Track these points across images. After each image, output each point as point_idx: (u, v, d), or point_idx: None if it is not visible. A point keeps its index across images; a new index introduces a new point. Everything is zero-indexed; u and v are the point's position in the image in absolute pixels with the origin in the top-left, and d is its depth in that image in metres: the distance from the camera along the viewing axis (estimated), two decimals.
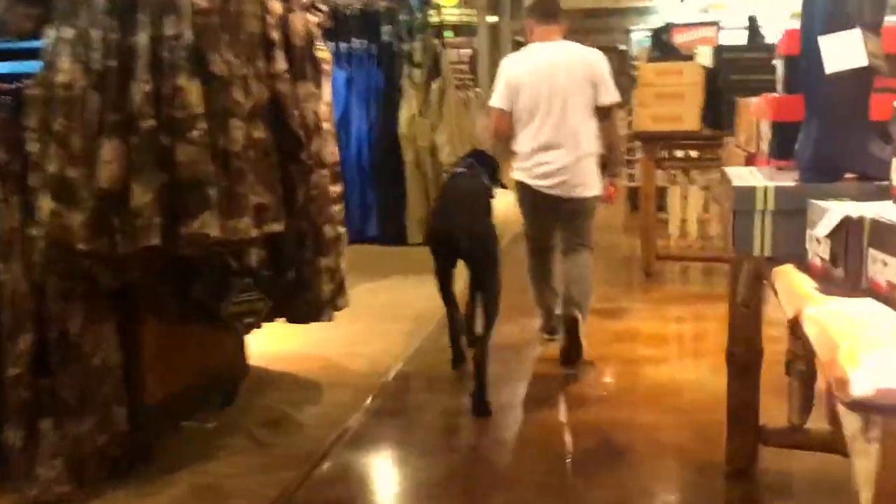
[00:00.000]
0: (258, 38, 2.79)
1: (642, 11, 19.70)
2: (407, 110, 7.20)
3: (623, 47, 18.32)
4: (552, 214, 4.23)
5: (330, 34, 7.56)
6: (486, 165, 4.22)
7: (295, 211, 2.98)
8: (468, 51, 16.91)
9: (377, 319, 5.01)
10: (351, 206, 7.40)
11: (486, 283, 3.70)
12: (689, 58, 6.39)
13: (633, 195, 9.14)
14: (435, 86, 7.19)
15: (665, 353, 4.29)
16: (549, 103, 4.05)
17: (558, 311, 4.30)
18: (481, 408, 3.61)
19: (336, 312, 3.49)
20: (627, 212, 9.24)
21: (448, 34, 20.46)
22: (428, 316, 5.13)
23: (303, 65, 2.99)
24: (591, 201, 4.22)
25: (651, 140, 5.84)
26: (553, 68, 4.10)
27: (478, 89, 9.16)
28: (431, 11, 7.96)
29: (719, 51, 5.77)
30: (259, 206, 2.74)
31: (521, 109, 4.12)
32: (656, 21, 20.12)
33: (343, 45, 7.31)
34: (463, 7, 20.46)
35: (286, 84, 2.85)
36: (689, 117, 5.69)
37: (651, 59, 6.04)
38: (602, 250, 6.85)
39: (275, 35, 2.84)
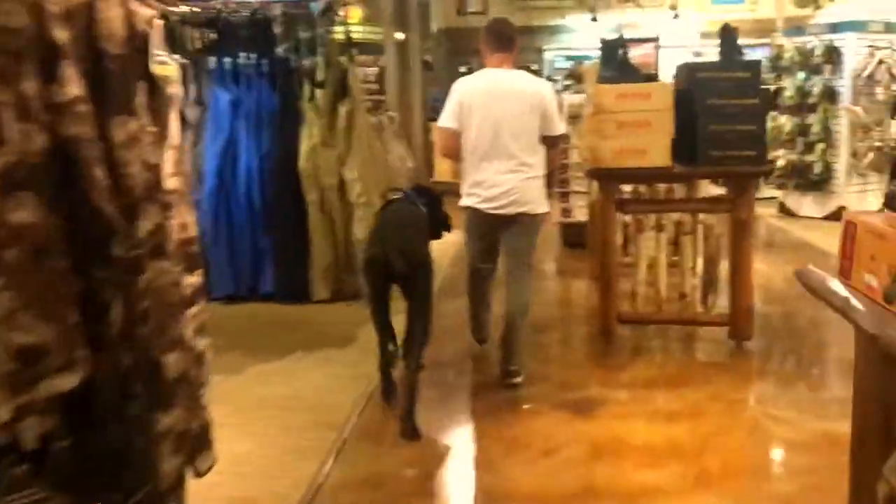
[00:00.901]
0: (25, 38, 1.51)
1: (554, 30, 18.94)
2: (308, 139, 5.91)
3: (536, 67, 17.50)
4: (497, 237, 4.27)
5: (212, 47, 6.44)
6: (426, 197, 4.19)
7: (109, 343, 1.69)
8: (374, 69, 15.75)
9: (271, 431, 3.68)
10: (240, 256, 6.08)
11: (418, 307, 3.70)
12: (652, 78, 5.34)
13: (569, 233, 8.07)
14: (342, 109, 5.92)
15: (666, 479, 3.10)
16: (498, 128, 4.06)
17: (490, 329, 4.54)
18: (409, 431, 3.58)
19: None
20: (562, 249, 8.17)
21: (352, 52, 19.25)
22: (342, 411, 3.86)
23: (124, 88, 1.72)
24: (538, 219, 4.24)
25: (610, 179, 4.77)
26: (505, 95, 4.11)
27: (391, 113, 7.92)
28: (337, 28, 6.67)
29: (691, 70, 4.73)
30: (25, 352, 1.47)
31: (471, 132, 4.12)
32: (569, 40, 19.49)
33: (227, 61, 5.97)
34: (368, 25, 19.39)
35: (84, 123, 1.57)
36: (656, 151, 4.61)
37: (604, 80, 4.94)
38: (541, 303, 5.76)
39: (60, 35, 1.57)
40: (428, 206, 4.11)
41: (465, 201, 4.24)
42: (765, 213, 9.31)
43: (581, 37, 18.70)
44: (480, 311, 4.61)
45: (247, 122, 5.97)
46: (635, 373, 4.38)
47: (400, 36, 15.52)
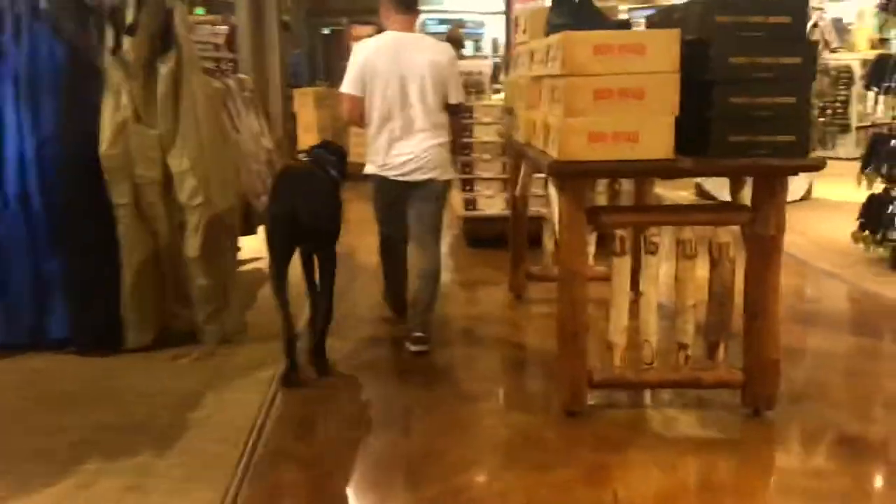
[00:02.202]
0: None
1: None
2: (114, 113, 3.91)
3: None
4: (405, 204, 4.08)
5: None
6: (333, 155, 3.97)
7: None
8: (224, 28, 13.40)
9: None
10: (13, 287, 4.03)
11: (326, 265, 3.70)
12: (624, 26, 3.66)
13: (473, 228, 6.37)
14: (164, 67, 3.94)
15: None
16: (404, 93, 3.92)
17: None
18: (321, 365, 3.75)
19: None
20: (465, 249, 6.47)
21: (199, 11, 16.69)
22: None
23: None
24: (446, 185, 4.18)
25: (580, 177, 3.10)
26: (409, 60, 3.92)
27: (242, 75, 5.91)
28: None
29: (704, 11, 3.09)
30: None
31: (375, 98, 3.95)
32: (442, 2, 17.72)
33: None
34: None
35: None
36: (652, 135, 2.97)
37: (554, 30, 3.25)
38: (450, 335, 4.37)
39: None
40: (337, 163, 3.94)
41: (370, 169, 4.11)
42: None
43: None
44: (395, 281, 4.41)
45: (14, 89, 3.89)
46: (633, 484, 2.74)
47: None
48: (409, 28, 4.04)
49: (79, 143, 3.90)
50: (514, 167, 4.87)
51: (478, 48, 16.17)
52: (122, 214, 3.95)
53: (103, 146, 3.88)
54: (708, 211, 3.43)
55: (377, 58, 3.93)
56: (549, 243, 4.92)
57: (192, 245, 4.04)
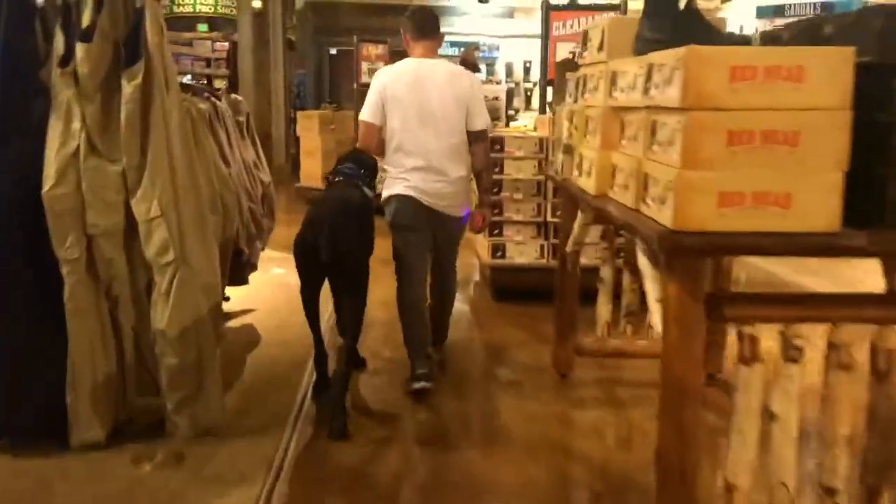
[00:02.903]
0: None
1: (438, 11, 16.25)
2: (61, 141, 2.98)
3: None
4: (429, 234, 3.86)
5: None
6: (362, 168, 3.90)
7: None
8: (224, 44, 12.53)
9: None
10: None
11: (349, 302, 3.51)
12: (747, 42, 2.73)
13: (502, 279, 5.44)
14: (129, 85, 3.01)
15: None
16: (424, 122, 3.75)
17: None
18: (338, 430, 3.30)
19: None
20: (491, 304, 5.52)
21: (202, 27, 15.82)
22: None
23: None
24: (461, 222, 3.97)
25: (705, 254, 2.16)
26: (430, 86, 3.77)
27: (236, 96, 4.99)
28: None
29: (889, 22, 2.18)
30: None
31: (395, 125, 3.78)
32: (453, 22, 16.93)
33: None
34: None
35: None
36: (809, 198, 2.05)
37: (648, 46, 2.34)
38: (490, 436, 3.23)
39: None
40: (368, 177, 3.89)
41: (388, 192, 3.87)
42: None
43: (468, 21, 16.22)
44: (419, 327, 3.92)
45: None
46: None
47: (257, 4, 12.42)
48: (431, 53, 3.90)
49: (14, 180, 2.97)
50: (568, 216, 3.93)
51: (490, 72, 15.33)
52: (71, 272, 3.02)
53: (47, 185, 2.95)
54: (886, 304, 2.47)
55: (397, 84, 3.78)
56: (603, 310, 3.98)
57: (162, 314, 3.10)
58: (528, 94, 16.36)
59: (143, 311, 3.17)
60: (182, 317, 3.13)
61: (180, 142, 3.18)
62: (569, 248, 3.88)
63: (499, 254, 5.39)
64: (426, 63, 3.83)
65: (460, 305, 5.43)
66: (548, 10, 5.52)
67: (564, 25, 5.64)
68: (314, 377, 3.79)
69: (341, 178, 3.82)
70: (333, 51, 17.03)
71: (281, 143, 12.68)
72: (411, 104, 3.73)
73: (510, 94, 16.06)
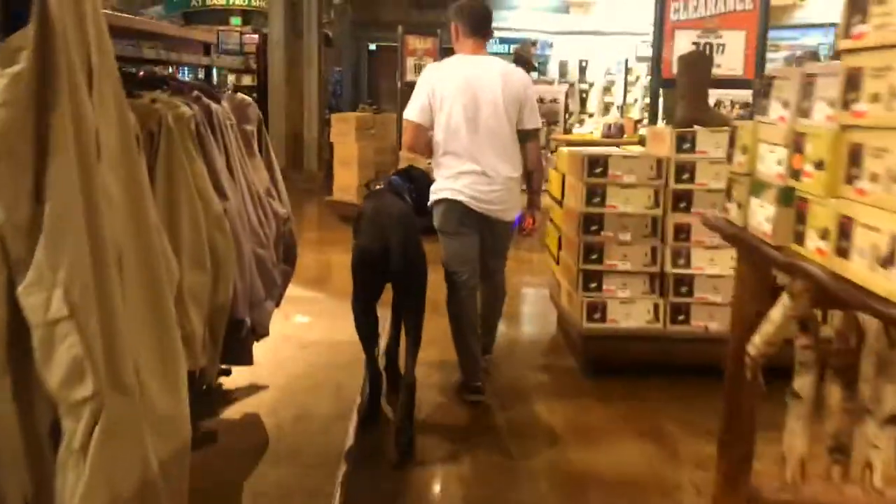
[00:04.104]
0: None
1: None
2: None
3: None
4: (478, 238, 3.70)
5: None
6: (414, 182, 3.70)
7: None
8: (254, 37, 11.26)
9: None
10: None
11: (415, 309, 3.30)
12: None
13: (599, 348, 4.00)
14: (3, 74, 1.57)
15: None
16: (474, 123, 3.57)
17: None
18: (403, 447, 3.15)
19: None
20: (582, 384, 4.09)
21: (236, 20, 14.53)
22: None
23: None
24: (510, 225, 3.79)
25: None
26: (482, 86, 3.58)
27: (242, 96, 3.51)
28: None
29: None
30: None
31: (443, 124, 3.60)
32: (505, 17, 15.44)
33: None
34: None
35: None
36: None
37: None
38: None
39: None
40: (417, 193, 3.66)
41: (435, 196, 3.66)
42: None
43: (519, 15, 14.73)
44: (471, 338, 3.70)
45: None
46: None
47: None
48: (480, 50, 3.73)
49: None
50: (751, 294, 2.43)
51: (543, 72, 13.82)
52: None
53: None
54: None
55: (446, 82, 3.62)
56: (797, 442, 2.48)
57: (75, 486, 1.69)
58: (584, 96, 14.82)
59: (43, 476, 1.76)
60: (111, 489, 1.72)
61: (121, 178, 1.78)
62: (754, 349, 2.38)
63: (596, 315, 3.92)
64: (478, 60, 3.65)
65: (535, 379, 4.00)
66: None
67: (686, 8, 4.15)
68: (364, 405, 3.41)
69: (383, 187, 3.62)
70: (373, 47, 15.63)
71: (314, 147, 11.30)
72: (462, 104, 3.54)
73: (567, 97, 14.56)
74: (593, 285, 3.94)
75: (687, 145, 3.86)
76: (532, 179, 3.81)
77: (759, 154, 2.19)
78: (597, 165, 3.88)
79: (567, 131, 10.84)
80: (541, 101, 11.63)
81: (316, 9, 11.16)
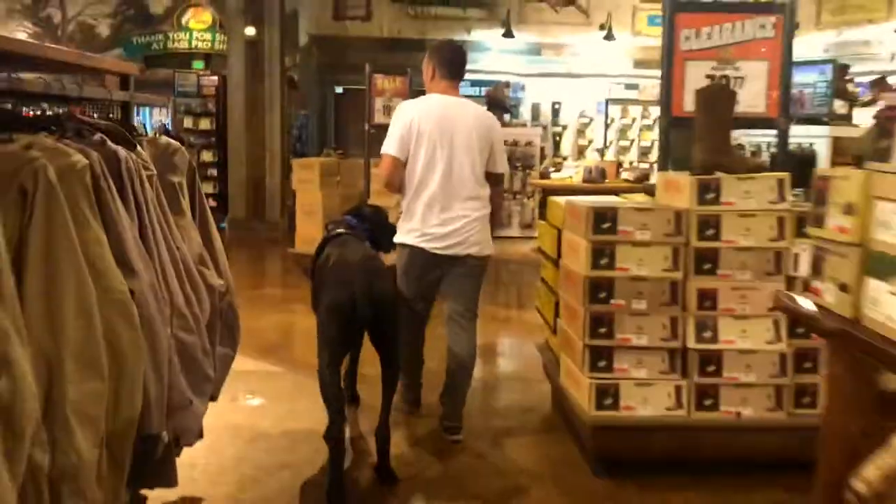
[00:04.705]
0: None
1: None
2: None
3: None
4: (439, 281, 3.69)
5: None
6: (368, 221, 3.75)
7: None
8: (213, 79, 10.60)
9: None
10: None
11: (391, 357, 3.27)
12: None
13: (615, 440, 3.28)
14: None
15: None
16: (451, 161, 3.57)
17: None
18: (386, 473, 3.21)
19: None
20: (590, 485, 3.36)
21: (198, 64, 13.90)
22: None
23: None
24: (485, 261, 3.75)
25: None
26: (455, 125, 3.60)
27: (168, 140, 2.79)
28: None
29: None
30: None
31: (418, 161, 3.59)
32: (476, 59, 14.93)
33: None
34: (219, 31, 14.08)
35: None
36: None
37: None
38: None
39: None
40: (375, 231, 3.72)
41: (403, 238, 3.69)
42: None
43: (491, 57, 14.21)
44: (415, 364, 3.91)
45: None
46: None
47: (251, 32, 10.41)
48: (454, 92, 3.72)
49: None
50: (856, 412, 1.74)
51: (515, 114, 13.27)
52: None
53: None
54: None
55: (423, 120, 3.58)
56: None
57: None
58: (557, 138, 14.31)
59: None
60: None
61: None
62: (864, 485, 1.69)
63: (607, 401, 3.21)
64: (453, 101, 3.68)
65: (528, 474, 3.29)
66: (673, 11, 3.41)
67: (698, 36, 3.54)
68: (329, 478, 3.03)
69: (342, 231, 3.59)
70: (340, 89, 15.02)
71: (276, 194, 10.56)
72: (439, 142, 3.56)
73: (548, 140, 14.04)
74: (602, 364, 3.24)
75: (710, 195, 3.21)
76: (493, 218, 3.79)
77: (878, 216, 1.51)
78: (604, 220, 3.20)
79: (544, 175, 10.23)
80: (515, 144, 11.07)
81: (278, 50, 10.51)
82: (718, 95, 3.36)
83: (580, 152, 14.30)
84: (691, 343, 3.22)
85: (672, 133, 3.73)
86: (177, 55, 14.85)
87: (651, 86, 14.43)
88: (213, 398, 2.87)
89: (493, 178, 3.70)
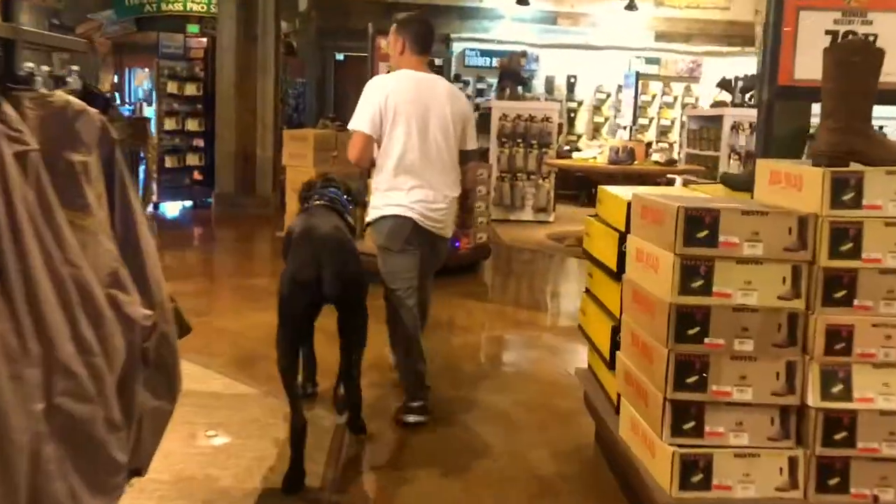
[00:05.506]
0: None
1: (467, 14, 13.22)
2: None
3: (438, 62, 11.79)
4: (419, 256, 3.54)
5: None
6: (348, 193, 3.60)
7: None
8: (202, 41, 9.65)
9: None
10: None
11: (356, 336, 3.20)
12: None
13: None
14: None
15: None
16: (425, 139, 3.48)
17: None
18: (357, 426, 3.30)
19: None
20: None
21: (193, 28, 13.12)
22: None
23: None
24: (448, 241, 3.80)
25: None
26: (431, 103, 3.52)
27: (71, 100, 1.85)
28: None
29: None
30: None
31: (395, 138, 3.46)
32: (486, 27, 13.89)
33: None
34: None
35: None
36: None
37: None
38: None
39: None
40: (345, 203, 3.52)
41: (381, 212, 3.50)
42: None
43: (503, 26, 13.16)
44: (416, 354, 3.54)
45: None
46: None
47: None
48: (424, 68, 3.62)
49: None
50: None
51: (528, 88, 12.22)
52: None
53: None
54: None
55: (398, 95, 3.47)
56: None
57: None
58: (572, 115, 13.31)
59: None
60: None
61: None
62: None
63: (695, 477, 2.29)
64: (425, 77, 3.58)
65: None
66: None
67: None
68: (288, 466, 2.80)
69: (322, 202, 3.38)
70: (340, 56, 13.98)
71: (268, 167, 9.59)
72: (414, 119, 3.45)
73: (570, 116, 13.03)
74: (690, 425, 2.32)
75: (849, 195, 2.28)
76: (467, 198, 3.81)
77: None
78: (700, 226, 2.27)
79: (562, 155, 9.26)
80: (530, 119, 10.09)
81: (273, 9, 9.48)
82: (858, 57, 2.40)
83: (596, 130, 13.32)
84: (814, 400, 2.30)
85: (778, 107, 2.77)
86: (171, 17, 13.84)
87: (673, 61, 13.45)
88: (139, 472, 1.96)
89: (465, 155, 3.67)
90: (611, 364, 2.88)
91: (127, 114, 10.48)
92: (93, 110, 1.82)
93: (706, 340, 2.30)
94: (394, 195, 3.47)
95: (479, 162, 3.47)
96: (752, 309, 2.30)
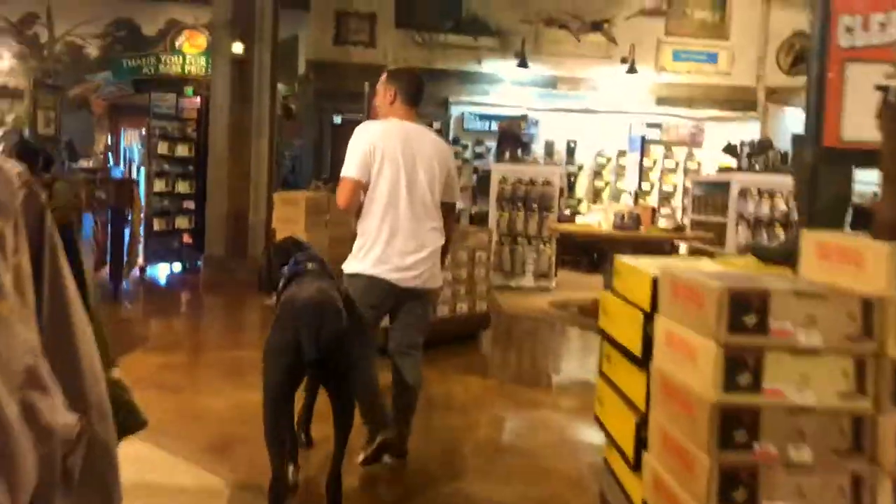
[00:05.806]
0: None
1: (466, 78, 13.12)
2: None
3: (438, 126, 11.63)
4: (390, 309, 3.62)
5: None
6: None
7: None
8: (196, 101, 9.49)
9: None
10: None
11: (344, 396, 3.07)
12: None
13: None
14: None
15: None
16: (412, 188, 3.50)
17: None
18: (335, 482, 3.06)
19: None
20: None
21: (190, 91, 13.11)
22: None
23: None
24: (437, 292, 4.06)
25: None
26: (417, 151, 3.54)
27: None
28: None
29: None
30: None
31: (380, 186, 3.49)
32: (486, 90, 13.78)
33: None
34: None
35: None
36: None
37: None
38: None
39: None
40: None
41: (356, 267, 3.52)
42: None
43: (502, 90, 13.04)
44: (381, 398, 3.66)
45: None
46: None
47: (238, 49, 9.20)
48: (414, 118, 3.65)
49: None
50: None
51: (527, 151, 12.01)
52: None
53: None
54: None
55: (385, 143, 3.48)
56: None
57: None
58: (572, 179, 13.08)
59: None
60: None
61: None
62: None
63: None
64: (413, 127, 3.60)
65: None
66: None
67: (866, 26, 2.33)
68: None
69: (312, 267, 3.29)
70: (338, 119, 13.82)
71: (261, 230, 9.27)
72: (402, 167, 3.47)
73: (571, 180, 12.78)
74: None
75: None
76: (443, 253, 3.72)
77: None
78: (747, 309, 1.91)
79: (564, 220, 8.98)
80: (531, 183, 9.84)
81: (269, 69, 9.30)
82: None
83: (596, 195, 13.09)
84: None
85: (822, 171, 2.45)
86: (169, 80, 13.76)
87: (675, 125, 13.31)
88: None
89: (449, 208, 3.68)
90: (635, 465, 2.49)
91: (118, 176, 10.19)
92: (9, 167, 1.48)
93: (755, 447, 1.92)
94: (376, 246, 3.49)
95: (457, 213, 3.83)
96: (810, 410, 1.92)
